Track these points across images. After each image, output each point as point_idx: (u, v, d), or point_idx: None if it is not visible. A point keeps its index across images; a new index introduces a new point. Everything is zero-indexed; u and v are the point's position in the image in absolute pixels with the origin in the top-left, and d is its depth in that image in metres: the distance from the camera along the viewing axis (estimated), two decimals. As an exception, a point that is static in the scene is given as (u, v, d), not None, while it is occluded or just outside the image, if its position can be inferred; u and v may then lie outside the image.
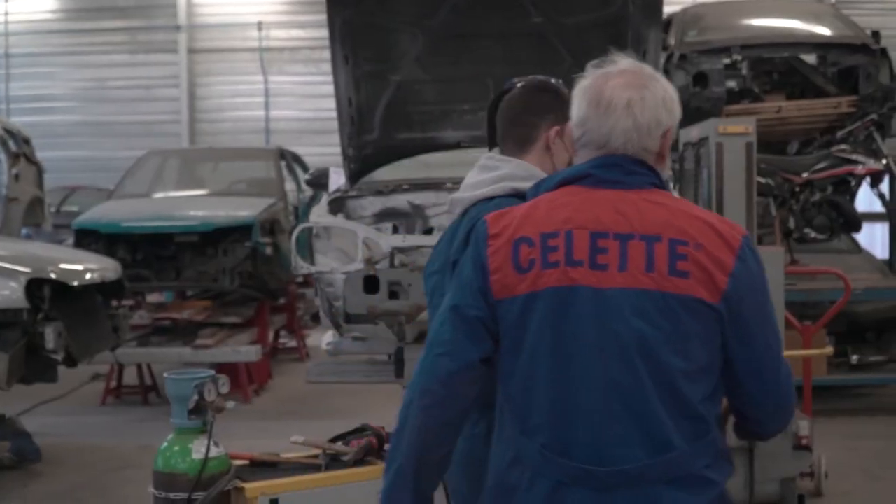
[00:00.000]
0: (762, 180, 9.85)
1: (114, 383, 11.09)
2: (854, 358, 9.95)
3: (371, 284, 6.50)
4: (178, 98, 20.93)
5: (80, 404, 10.44)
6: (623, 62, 2.74)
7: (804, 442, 6.32)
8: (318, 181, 8.66)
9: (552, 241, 2.63)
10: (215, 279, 11.14)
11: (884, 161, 10.50)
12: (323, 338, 7.87)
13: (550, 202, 2.72)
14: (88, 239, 10.99)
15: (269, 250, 11.36)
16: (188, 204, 12.28)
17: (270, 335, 12.96)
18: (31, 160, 10.94)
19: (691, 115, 11.41)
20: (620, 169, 2.69)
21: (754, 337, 2.64)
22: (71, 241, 11.30)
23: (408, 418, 2.74)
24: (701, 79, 11.55)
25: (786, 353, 2.83)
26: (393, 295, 6.50)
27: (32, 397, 8.34)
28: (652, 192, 2.69)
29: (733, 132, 6.95)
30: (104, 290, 8.79)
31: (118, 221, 11.26)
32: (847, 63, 11.17)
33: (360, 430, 4.33)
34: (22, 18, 21.23)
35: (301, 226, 7.63)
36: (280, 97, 20.60)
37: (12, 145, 10.73)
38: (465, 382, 2.71)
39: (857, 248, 11.50)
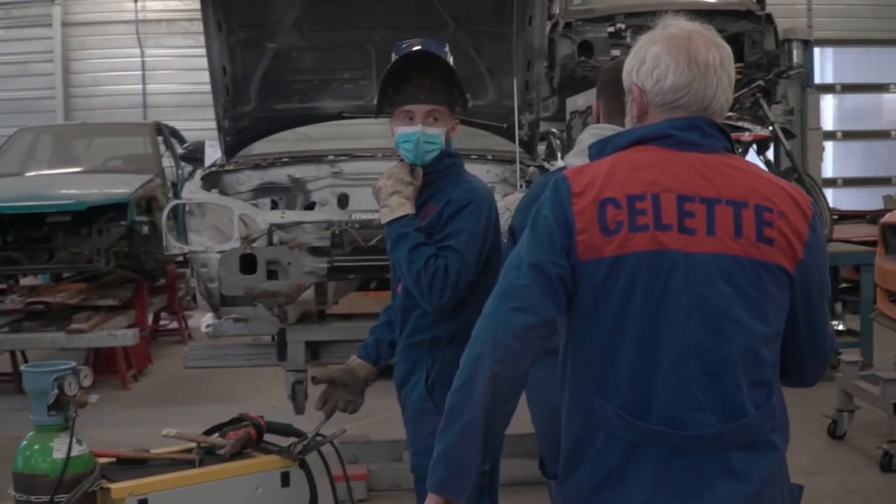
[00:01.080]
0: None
1: (-16, 371, 10.66)
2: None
3: (248, 264, 6.19)
4: (52, 73, 20.27)
5: (-51, 394, 10.01)
6: (681, 22, 2.73)
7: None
8: (193, 155, 8.33)
9: (639, 203, 2.61)
10: (90, 260, 10.70)
11: (770, 128, 10.51)
12: (202, 320, 7.55)
13: (632, 162, 2.68)
14: (-44, 221, 10.49)
15: (145, 229, 10.96)
16: (61, 182, 11.79)
17: (150, 317, 12.61)
18: None
19: (577, 84, 11.35)
20: (699, 131, 2.68)
21: (816, 303, 2.72)
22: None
23: (478, 372, 2.66)
24: (586, 47, 11.48)
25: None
26: (272, 274, 6.20)
27: None
28: (727, 157, 2.70)
29: (619, 100, 6.86)
30: (-31, 274, 8.37)
31: (-14, 202, 10.76)
32: (732, 29, 11.19)
33: (236, 421, 4.07)
34: None
35: (172, 202, 7.28)
36: (157, 71, 19.99)
37: None
38: (537, 337, 2.68)
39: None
